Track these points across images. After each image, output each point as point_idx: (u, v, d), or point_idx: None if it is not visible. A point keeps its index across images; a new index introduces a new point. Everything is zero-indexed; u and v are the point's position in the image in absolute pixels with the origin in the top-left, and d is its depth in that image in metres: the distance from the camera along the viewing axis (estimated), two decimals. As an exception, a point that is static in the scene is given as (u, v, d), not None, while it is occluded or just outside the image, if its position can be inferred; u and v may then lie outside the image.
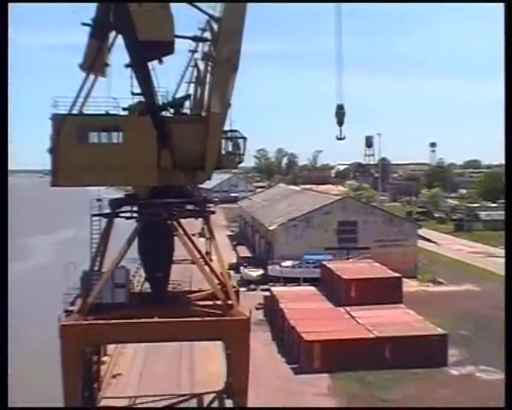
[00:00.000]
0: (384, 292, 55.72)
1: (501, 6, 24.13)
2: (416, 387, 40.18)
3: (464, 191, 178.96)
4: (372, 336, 44.70)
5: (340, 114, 39.69)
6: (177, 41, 33.15)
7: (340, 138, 40.13)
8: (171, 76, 36.17)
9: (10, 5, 26.32)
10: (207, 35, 34.08)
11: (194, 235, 37.33)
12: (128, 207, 34.71)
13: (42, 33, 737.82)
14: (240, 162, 35.50)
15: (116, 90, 33.12)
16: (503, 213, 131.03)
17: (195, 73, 37.28)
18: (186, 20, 34.29)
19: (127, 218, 34.74)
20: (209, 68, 33.89)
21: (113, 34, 32.28)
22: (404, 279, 62.15)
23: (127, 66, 32.39)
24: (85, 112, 32.00)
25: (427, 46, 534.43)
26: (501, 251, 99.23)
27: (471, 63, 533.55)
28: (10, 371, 22.75)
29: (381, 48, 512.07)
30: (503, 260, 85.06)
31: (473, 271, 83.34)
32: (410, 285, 67.96)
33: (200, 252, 36.67)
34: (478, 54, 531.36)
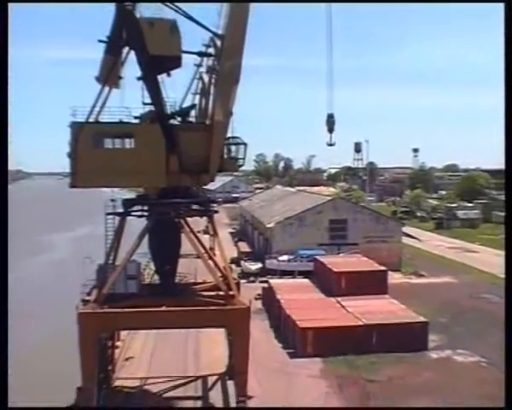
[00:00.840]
0: (371, 284, 55.69)
1: (501, 6, 23.08)
2: (399, 369, 40.20)
3: (444, 192, 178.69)
4: (360, 323, 44.70)
5: (330, 122, 39.74)
6: (184, 56, 33.38)
7: (331, 144, 40.15)
8: (179, 88, 36.23)
9: (11, 5, 25.03)
10: (211, 51, 34.14)
11: (199, 232, 37.39)
12: (139, 207, 34.82)
13: (61, 49, 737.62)
14: (241, 166, 35.63)
15: (128, 101, 33.33)
16: (478, 211, 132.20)
17: (200, 85, 37.26)
18: (192, 37, 34.34)
19: (138, 216, 34.84)
20: (213, 81, 33.85)
21: (126, 50, 32.43)
22: (389, 272, 62.12)
23: (139, 78, 32.57)
24: (101, 120, 32.11)
25: (412, 61, 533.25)
26: (476, 247, 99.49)
27: (452, 78, 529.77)
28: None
29: (370, 62, 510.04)
30: (477, 255, 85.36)
31: (451, 264, 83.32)
32: (394, 277, 67.91)
33: (204, 247, 36.69)
34: (459, 69, 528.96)
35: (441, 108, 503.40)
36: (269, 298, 56.45)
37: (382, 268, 60.12)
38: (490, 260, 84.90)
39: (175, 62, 33.19)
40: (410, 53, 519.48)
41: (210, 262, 35.31)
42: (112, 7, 31.50)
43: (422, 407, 34.55)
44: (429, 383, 38.11)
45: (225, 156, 33.90)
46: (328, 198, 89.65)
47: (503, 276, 75.56)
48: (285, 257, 71.76)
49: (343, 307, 49.69)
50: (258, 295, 59.08)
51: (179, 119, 34.27)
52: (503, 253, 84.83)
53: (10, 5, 24.90)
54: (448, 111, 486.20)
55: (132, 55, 32.27)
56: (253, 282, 67.77)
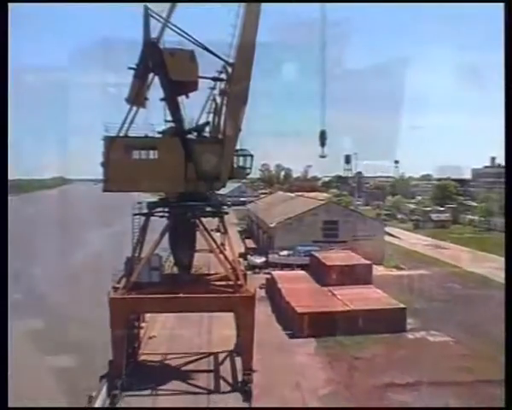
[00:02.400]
0: (358, 275, 55.40)
1: (501, 6, 21.02)
2: (381, 347, 39.95)
3: (420, 198, 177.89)
4: (349, 309, 44.45)
5: (322, 137, 39.53)
6: (200, 80, 33.32)
7: (322, 156, 39.89)
8: (195, 107, 36.23)
9: (11, 5, 22.12)
10: (223, 76, 34.11)
11: (211, 230, 37.28)
12: (161, 209, 34.79)
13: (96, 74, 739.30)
14: (248, 174, 35.61)
15: (153, 118, 33.36)
16: (448, 214, 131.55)
17: (214, 105, 37.23)
18: (207, 65, 34.25)
19: (160, 216, 34.83)
20: (224, 102, 33.88)
21: (151, 75, 32.45)
22: (374, 265, 61.72)
23: (162, 99, 32.67)
24: (129, 134, 32.15)
25: (401, 89, 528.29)
26: (447, 244, 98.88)
27: (431, 103, 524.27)
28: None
29: (362, 87, 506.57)
30: (447, 251, 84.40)
31: (425, 259, 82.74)
32: (378, 270, 67.31)
33: (216, 243, 36.58)
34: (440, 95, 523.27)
35: (419, 128, 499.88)
36: (271, 287, 56.26)
37: (368, 262, 59.71)
38: (458, 255, 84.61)
39: (192, 86, 33.25)
40: (400, 81, 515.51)
41: (221, 256, 35.22)
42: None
43: (422, 407, 32.23)
44: (406, 358, 37.91)
45: (235, 166, 33.88)
46: (322, 202, 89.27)
47: (468, 269, 74.60)
48: (285, 252, 71.51)
49: (334, 295, 49.44)
50: (262, 284, 58.83)
51: (196, 134, 34.27)
52: (468, 249, 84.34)
53: (11, 6, 22.24)
54: (425, 130, 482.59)
55: (157, 79, 32.37)
56: (258, 273, 67.35)
